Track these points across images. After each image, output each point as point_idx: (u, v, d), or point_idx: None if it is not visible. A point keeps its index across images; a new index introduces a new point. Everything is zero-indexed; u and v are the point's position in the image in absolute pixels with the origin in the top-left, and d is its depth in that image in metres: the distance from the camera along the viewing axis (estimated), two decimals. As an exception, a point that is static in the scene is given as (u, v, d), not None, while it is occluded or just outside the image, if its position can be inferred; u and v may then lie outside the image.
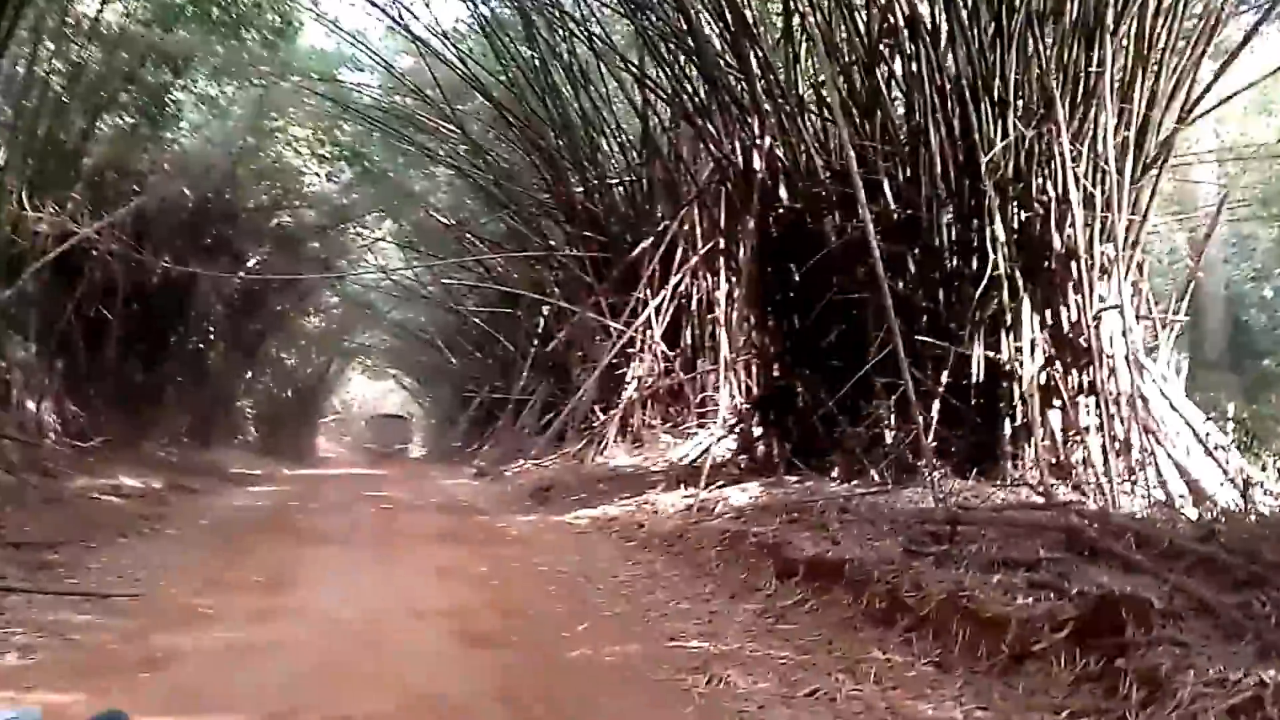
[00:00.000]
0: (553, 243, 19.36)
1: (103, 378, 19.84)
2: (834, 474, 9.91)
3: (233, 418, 32.93)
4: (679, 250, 16.38)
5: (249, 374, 34.17)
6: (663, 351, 16.75)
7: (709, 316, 16.76)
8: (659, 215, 16.93)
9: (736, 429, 11.87)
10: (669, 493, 10.45)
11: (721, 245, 16.21)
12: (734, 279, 16.57)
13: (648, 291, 16.44)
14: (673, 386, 16.87)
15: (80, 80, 16.45)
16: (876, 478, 8.96)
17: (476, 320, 27.18)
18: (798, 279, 10.82)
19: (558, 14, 16.59)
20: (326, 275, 23.02)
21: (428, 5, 17.59)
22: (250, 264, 23.55)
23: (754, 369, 11.89)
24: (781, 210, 10.80)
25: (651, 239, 16.43)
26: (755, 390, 11.43)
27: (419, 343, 35.35)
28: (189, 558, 7.68)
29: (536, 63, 17.06)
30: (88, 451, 17.12)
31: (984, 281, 9.09)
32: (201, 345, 26.25)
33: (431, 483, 18.82)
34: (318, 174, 21.59)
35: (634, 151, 17.60)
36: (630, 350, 16.86)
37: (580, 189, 17.70)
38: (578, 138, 17.44)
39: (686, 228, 16.25)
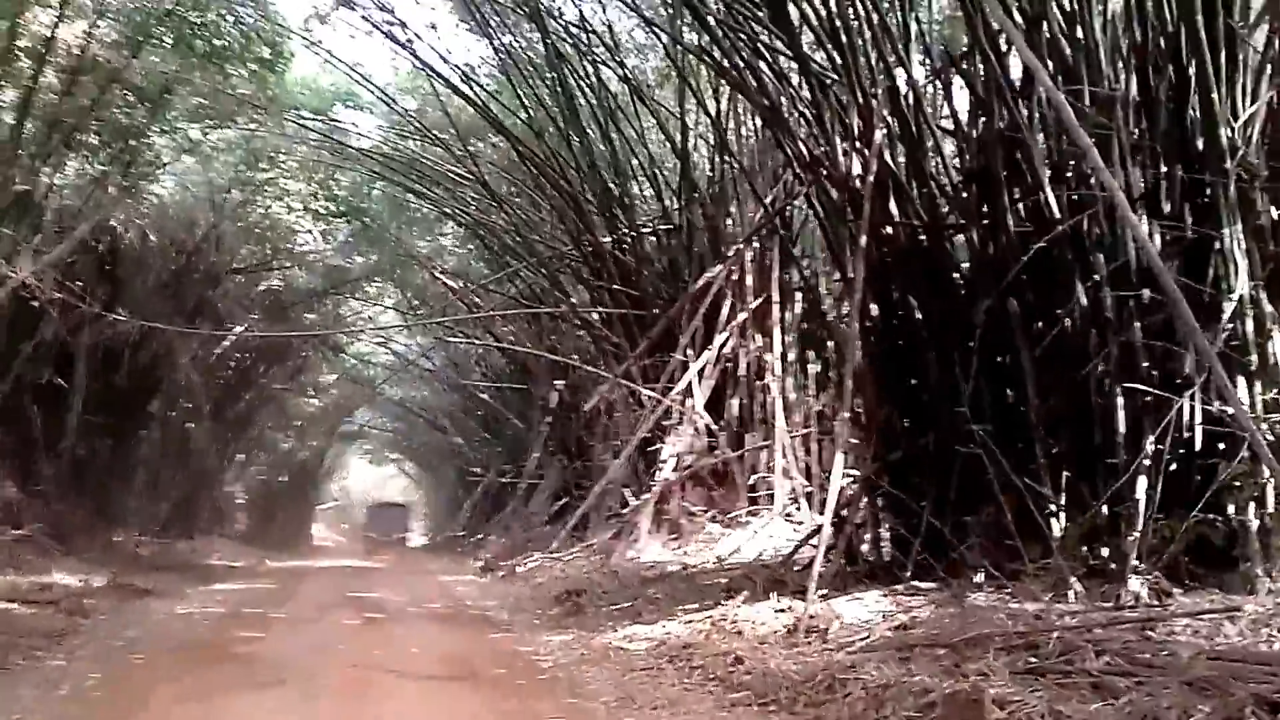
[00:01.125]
0: (574, 301, 16.54)
1: (59, 456, 16.89)
2: (981, 578, 7.02)
3: (220, 504, 29.84)
4: (725, 305, 13.59)
5: (239, 457, 31.20)
6: (705, 424, 13.85)
7: (759, 383, 13.91)
8: (701, 265, 14.17)
9: (833, 518, 8.86)
10: (752, 604, 7.48)
11: (777, 297, 13.49)
12: (789, 338, 13.84)
13: (688, 354, 13.59)
14: (717, 466, 13.93)
15: (39, 118, 13.91)
16: (1077, 587, 6.03)
17: (484, 397, 24.28)
18: (920, 317, 8.00)
19: (585, 41, 14.09)
20: (318, 334, 20.02)
21: (433, 27, 14.92)
22: (236, 332, 20.77)
23: (857, 439, 8.91)
24: (895, 229, 8.02)
25: (692, 293, 13.65)
26: (862, 467, 8.46)
27: (421, 423, 32.41)
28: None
29: (560, 98, 14.45)
30: (26, 542, 14.22)
31: (1211, 307, 6.29)
32: (183, 424, 23.38)
33: (432, 579, 15.75)
34: (311, 232, 18.92)
35: (671, 194, 14.91)
36: (666, 423, 13.96)
37: (608, 238, 14.96)
38: (606, 180, 14.77)
39: (734, 278, 13.48)
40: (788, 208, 12.97)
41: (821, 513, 13.43)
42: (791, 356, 13.95)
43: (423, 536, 42.68)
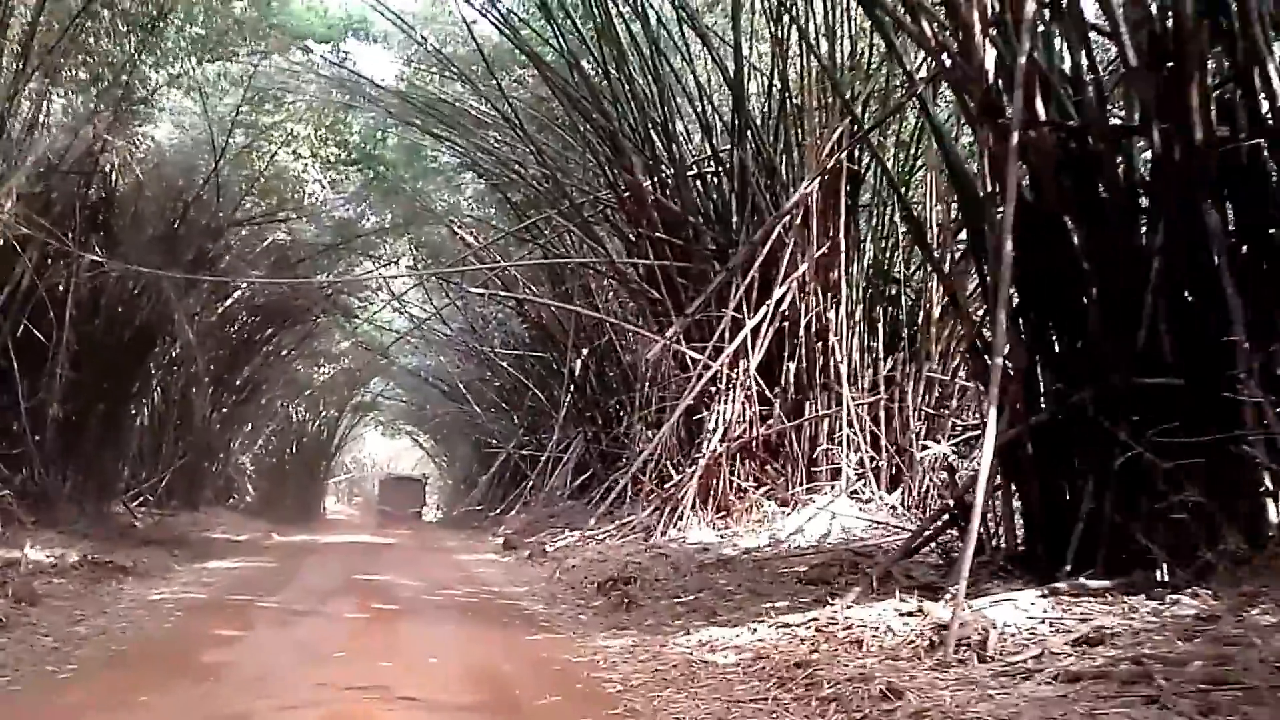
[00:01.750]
0: (609, 252, 14.67)
1: (43, 418, 15.25)
2: (1165, 574, 5.32)
3: (226, 474, 28.27)
4: (784, 255, 11.84)
5: (247, 426, 29.61)
6: (759, 391, 12.12)
7: (821, 344, 12.16)
8: (754, 211, 12.42)
9: (948, 496, 7.18)
10: (866, 605, 5.77)
11: (844, 245, 11.74)
12: (856, 293, 12.11)
13: (745, 311, 11.87)
14: (770, 437, 12.21)
15: (15, 43, 12.21)
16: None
17: (503, 365, 22.55)
18: (1076, 242, 6.22)
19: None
20: (324, 283, 18.04)
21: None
22: (240, 289, 19.07)
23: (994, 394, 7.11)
24: (1043, 134, 6.23)
25: (755, 241, 11.89)
26: (997, 430, 6.68)
27: (436, 394, 30.74)
28: None
29: (598, 23, 12.63)
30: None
31: None
32: (184, 389, 21.80)
33: (449, 559, 14.13)
34: (320, 181, 17.18)
35: (722, 130, 13.13)
36: (714, 389, 12.24)
37: (650, 181, 13.15)
38: (649, 116, 12.96)
39: (797, 223, 11.72)
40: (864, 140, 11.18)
41: (891, 490, 11.84)
42: (858, 314, 12.19)
43: (437, 511, 41.18)
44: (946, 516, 7.18)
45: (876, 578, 6.16)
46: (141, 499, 19.77)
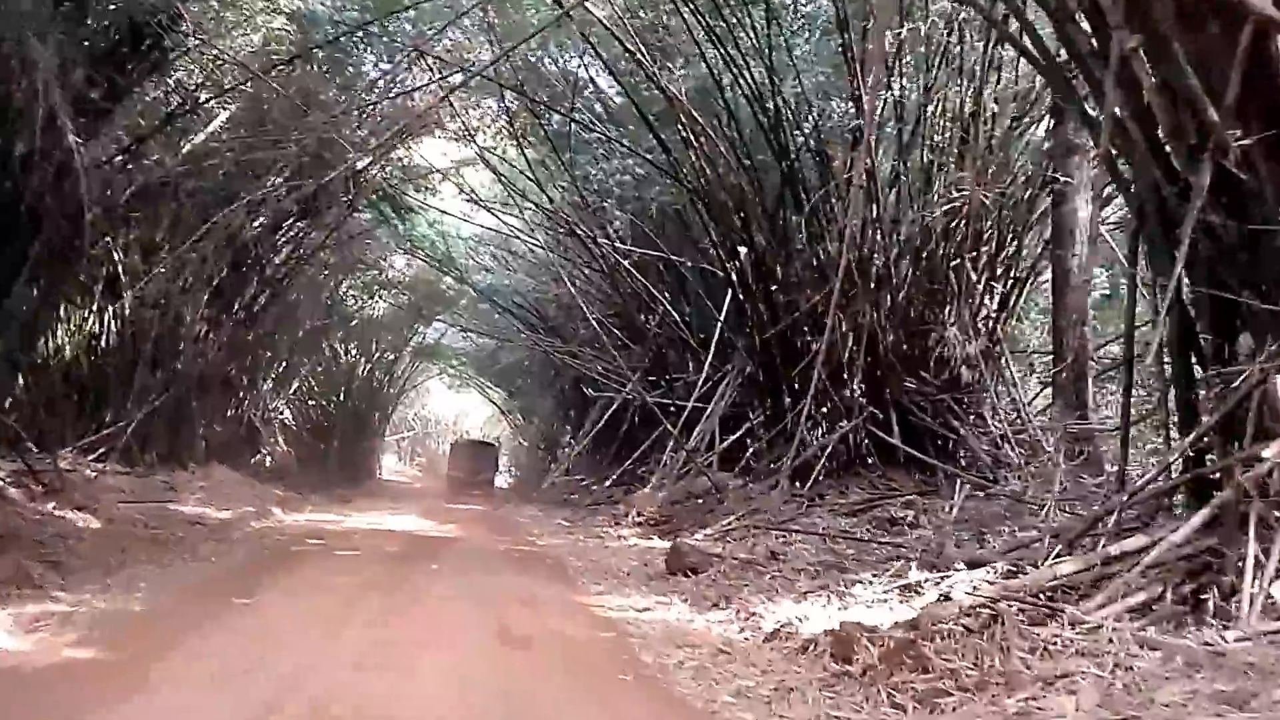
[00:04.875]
0: None
1: None
2: None
3: (246, 422, 20.59)
4: None
5: (278, 364, 21.93)
6: None
7: None
8: None
9: None
10: None
11: None
12: None
13: None
14: None
15: None
16: None
17: (625, 265, 14.38)
18: None
19: None
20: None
21: None
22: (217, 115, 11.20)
23: None
24: None
25: None
26: None
27: (514, 330, 22.85)
28: None
29: None
30: None
31: None
32: (165, 296, 14.23)
33: (573, 604, 6.19)
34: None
35: None
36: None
37: None
38: None
39: None
40: None
41: None
42: None
43: (510, 476, 33.54)
44: None
45: None
46: (95, 450, 12.36)
